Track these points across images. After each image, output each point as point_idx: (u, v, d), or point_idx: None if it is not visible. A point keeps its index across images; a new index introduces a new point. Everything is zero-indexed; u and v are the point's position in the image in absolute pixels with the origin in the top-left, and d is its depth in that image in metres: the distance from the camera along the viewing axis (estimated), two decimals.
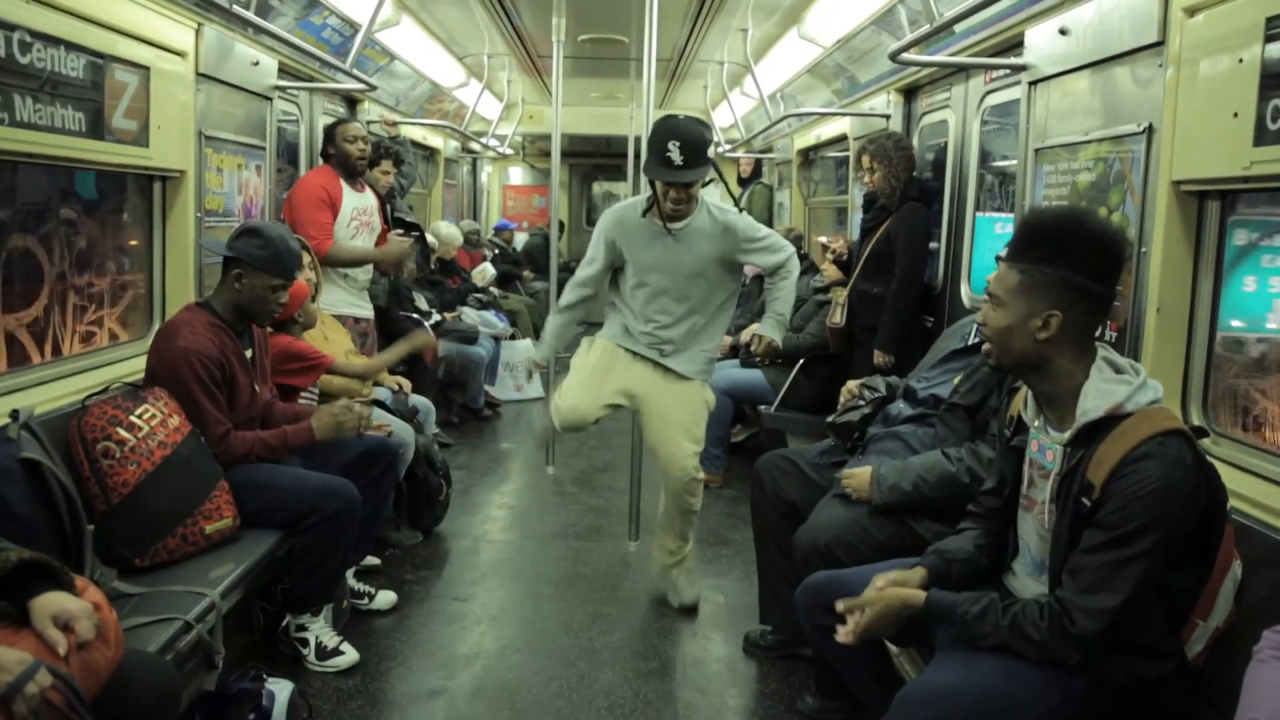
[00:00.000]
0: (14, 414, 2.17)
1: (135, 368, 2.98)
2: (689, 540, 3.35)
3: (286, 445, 2.80)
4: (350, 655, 2.80)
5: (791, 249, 3.22)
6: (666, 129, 2.88)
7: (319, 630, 2.80)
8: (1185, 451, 1.61)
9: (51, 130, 2.51)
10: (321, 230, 3.91)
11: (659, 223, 3.05)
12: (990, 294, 1.80)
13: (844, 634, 1.90)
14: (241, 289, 2.74)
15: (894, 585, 1.91)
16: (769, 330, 3.24)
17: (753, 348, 3.27)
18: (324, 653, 2.78)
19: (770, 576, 2.89)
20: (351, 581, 3.22)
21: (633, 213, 3.13)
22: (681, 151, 2.85)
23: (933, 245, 4.06)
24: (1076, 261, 1.69)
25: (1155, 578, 1.63)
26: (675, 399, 3.15)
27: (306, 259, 3.70)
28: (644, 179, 4.05)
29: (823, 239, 5.68)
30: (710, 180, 3.07)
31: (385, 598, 3.26)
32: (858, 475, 2.48)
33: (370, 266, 4.34)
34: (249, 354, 2.84)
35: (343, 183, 4.10)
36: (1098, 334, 2.49)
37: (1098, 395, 1.68)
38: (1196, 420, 2.28)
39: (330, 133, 4.15)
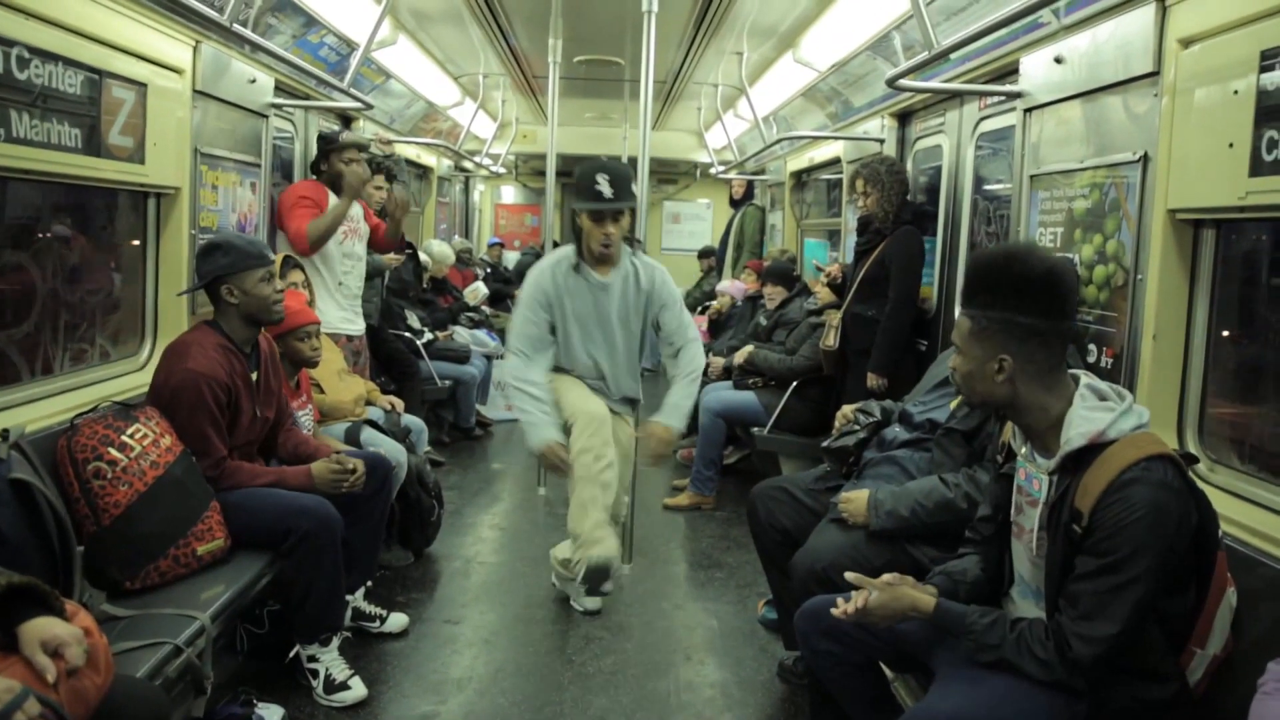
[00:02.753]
0: (4, 433, 2.14)
1: (126, 386, 2.96)
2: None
3: (283, 486, 2.77)
4: (358, 691, 2.74)
5: (699, 345, 3.32)
6: (593, 167, 3.01)
7: (330, 662, 2.76)
8: (1171, 475, 1.61)
9: (47, 146, 2.50)
10: (302, 219, 3.90)
11: (590, 275, 3.13)
12: (953, 341, 1.84)
13: (841, 609, 1.89)
14: (237, 299, 2.73)
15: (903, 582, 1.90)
16: (671, 420, 3.20)
17: (649, 446, 3.21)
18: (332, 686, 2.73)
19: (788, 604, 2.86)
20: (361, 603, 3.18)
21: (561, 266, 3.16)
22: (611, 184, 2.97)
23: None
24: (1016, 303, 1.71)
25: (1152, 602, 1.62)
26: (622, 438, 3.27)
27: (300, 276, 3.69)
28: (639, 203, 4.12)
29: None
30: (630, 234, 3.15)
31: (397, 620, 3.23)
32: (854, 500, 2.47)
33: (361, 271, 4.31)
34: (254, 376, 2.82)
35: (330, 194, 4.09)
36: (1082, 354, 2.54)
37: (1080, 423, 1.69)
38: (1193, 448, 2.28)
39: (325, 151, 4.14)
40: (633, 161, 4.35)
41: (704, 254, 8.92)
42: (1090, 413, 1.69)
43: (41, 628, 1.53)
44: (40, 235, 2.81)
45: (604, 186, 2.96)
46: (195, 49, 3.21)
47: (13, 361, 2.66)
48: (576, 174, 3.07)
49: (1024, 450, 1.84)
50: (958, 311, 3.80)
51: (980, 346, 1.76)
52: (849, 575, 1.93)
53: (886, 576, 1.91)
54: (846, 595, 2.05)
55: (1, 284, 2.63)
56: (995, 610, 1.80)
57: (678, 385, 3.26)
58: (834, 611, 1.91)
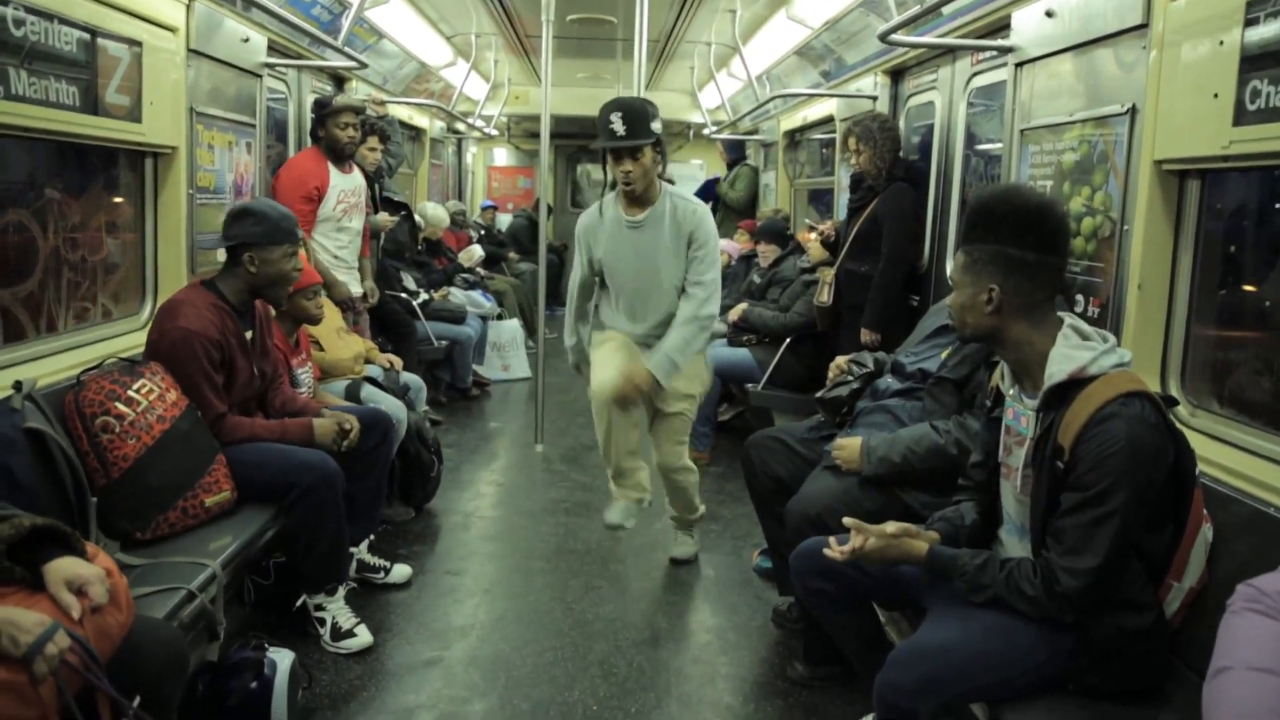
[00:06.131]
0: (17, 385, 2.18)
1: (129, 344, 2.99)
2: (695, 509, 3.62)
3: (285, 439, 2.82)
4: (363, 638, 2.82)
5: (715, 306, 3.19)
6: (609, 105, 3.05)
7: (336, 610, 2.84)
8: (1148, 411, 1.68)
9: (45, 104, 2.51)
10: (302, 222, 3.93)
11: (622, 216, 3.18)
12: (950, 277, 1.94)
13: (836, 551, 1.95)
14: (256, 270, 2.77)
15: (906, 533, 1.95)
16: (655, 366, 3.09)
17: (619, 384, 3.07)
18: (338, 633, 2.81)
19: (782, 550, 2.92)
20: (365, 555, 3.25)
21: (594, 210, 3.27)
22: (624, 121, 2.99)
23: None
24: (1006, 235, 1.81)
25: (1133, 535, 1.70)
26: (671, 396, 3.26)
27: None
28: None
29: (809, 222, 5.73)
30: (661, 165, 3.17)
31: (400, 571, 3.31)
32: (848, 447, 2.54)
33: (357, 245, 4.35)
34: (249, 335, 2.85)
35: (330, 165, 4.11)
36: (1070, 304, 2.60)
37: (1061, 360, 1.76)
38: (1176, 393, 2.35)
39: (321, 116, 4.15)
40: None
41: None
42: (1072, 350, 1.75)
43: (65, 567, 1.59)
44: (43, 194, 2.82)
45: (617, 124, 2.99)
46: (189, 7, 3.20)
47: (17, 318, 2.69)
48: (598, 114, 3.10)
49: (1012, 391, 1.91)
50: (949, 266, 3.88)
51: (972, 278, 1.84)
52: (847, 520, 1.98)
53: (888, 527, 1.95)
54: (841, 538, 2.13)
55: (6, 242, 2.66)
56: (985, 552, 1.88)
57: (675, 330, 3.12)
58: (826, 552, 1.97)
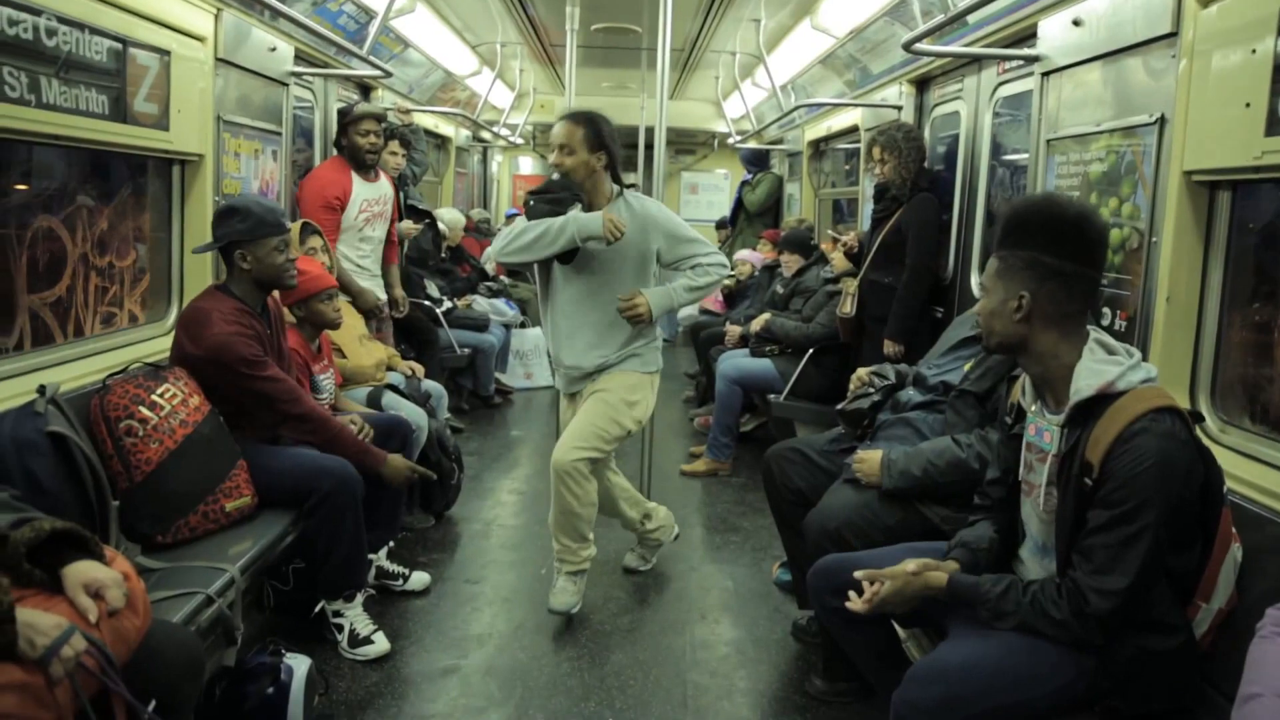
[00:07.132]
0: (41, 389, 2.21)
1: (154, 349, 3.03)
2: (568, 541, 3.09)
3: (359, 454, 2.87)
4: (380, 645, 2.83)
5: (720, 257, 3.12)
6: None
7: (354, 617, 2.85)
8: (1179, 427, 1.64)
9: (75, 113, 2.55)
10: (326, 232, 3.96)
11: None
12: (981, 283, 1.90)
13: (857, 604, 1.93)
14: (251, 265, 2.76)
15: (926, 569, 1.92)
16: (654, 296, 3.01)
17: (621, 310, 2.97)
18: (356, 640, 2.82)
19: (801, 563, 2.89)
20: (384, 562, 3.26)
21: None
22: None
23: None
24: (1043, 243, 1.77)
25: (1161, 554, 1.65)
26: (593, 400, 3.07)
27: (319, 242, 3.74)
28: (656, 173, 4.10)
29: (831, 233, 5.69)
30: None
31: (419, 579, 3.31)
32: (868, 460, 2.51)
33: (379, 254, 4.36)
34: (269, 334, 2.87)
35: (353, 174, 4.14)
36: (1097, 317, 2.56)
37: (1089, 375, 1.72)
38: (1205, 409, 2.30)
39: (342, 125, 4.18)
40: (650, 132, 4.35)
41: (721, 224, 8.92)
42: (1099, 365, 1.72)
43: (83, 570, 1.60)
44: (73, 200, 2.86)
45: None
46: (217, 16, 3.25)
47: (46, 323, 2.73)
48: None
49: (1034, 407, 1.87)
50: (974, 278, 3.84)
51: (1004, 283, 1.80)
52: (858, 574, 1.95)
53: (908, 565, 1.93)
54: (861, 557, 2.10)
55: (36, 248, 2.70)
56: (1006, 576, 1.83)
57: (679, 278, 3.06)
58: (850, 606, 1.94)
